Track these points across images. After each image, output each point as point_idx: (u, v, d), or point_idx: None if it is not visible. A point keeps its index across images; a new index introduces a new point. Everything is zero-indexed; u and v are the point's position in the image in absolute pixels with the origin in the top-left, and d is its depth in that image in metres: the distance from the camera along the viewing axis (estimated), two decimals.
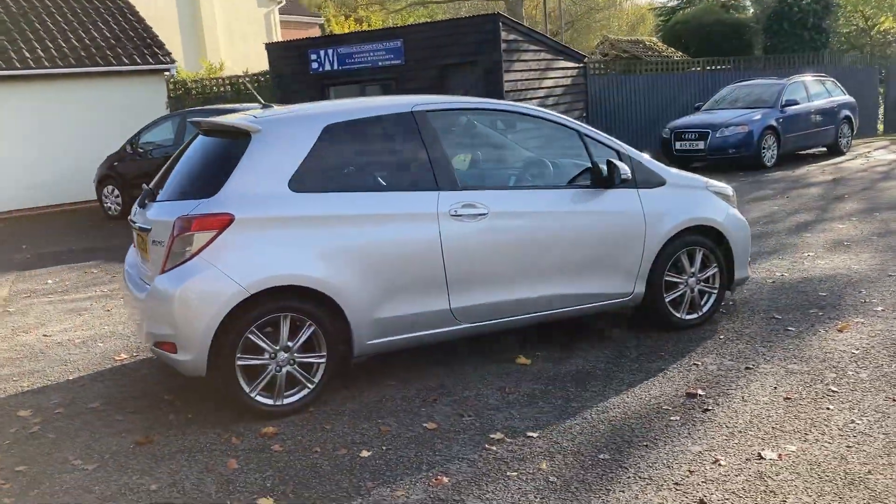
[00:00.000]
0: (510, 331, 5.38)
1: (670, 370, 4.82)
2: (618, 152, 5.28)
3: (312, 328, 4.42)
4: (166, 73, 16.82)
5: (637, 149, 5.49)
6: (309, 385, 4.49)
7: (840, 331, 5.31)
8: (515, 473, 3.65)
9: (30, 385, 5.30)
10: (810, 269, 6.99)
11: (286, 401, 4.44)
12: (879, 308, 5.74)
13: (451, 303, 4.75)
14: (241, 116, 4.80)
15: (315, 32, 31.26)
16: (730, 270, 5.66)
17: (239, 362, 4.30)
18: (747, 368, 4.77)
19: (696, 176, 5.81)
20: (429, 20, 27.93)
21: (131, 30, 17.28)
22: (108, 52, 16.38)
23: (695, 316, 5.55)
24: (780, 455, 3.65)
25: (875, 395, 4.26)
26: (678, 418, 4.13)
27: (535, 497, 3.43)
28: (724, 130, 14.54)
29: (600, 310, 5.35)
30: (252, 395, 4.36)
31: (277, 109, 4.95)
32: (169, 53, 17.02)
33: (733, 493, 3.36)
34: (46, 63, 15.53)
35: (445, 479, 3.62)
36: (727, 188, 5.83)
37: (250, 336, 4.29)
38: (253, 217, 4.32)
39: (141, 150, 13.61)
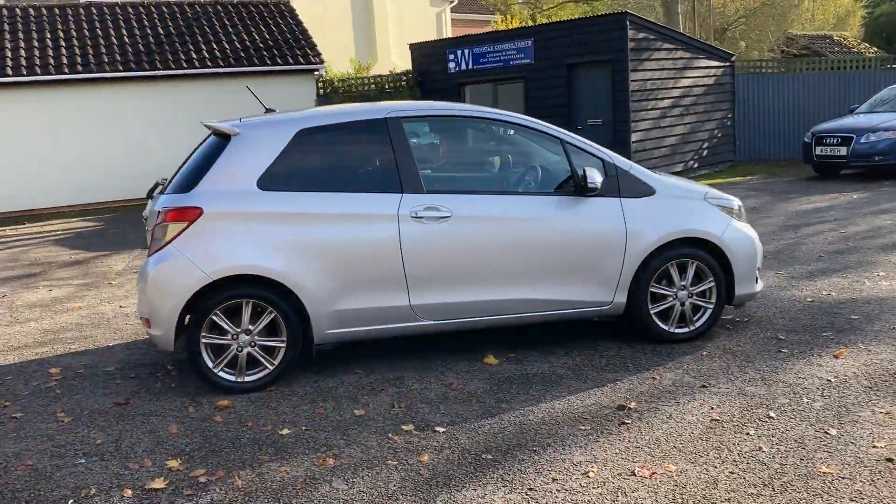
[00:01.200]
0: (488, 331, 5.53)
1: (623, 381, 4.76)
2: (602, 161, 5.26)
3: (273, 315, 4.84)
4: (316, 73, 18.00)
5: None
6: (269, 366, 4.91)
7: (836, 356, 4.97)
8: (395, 463, 3.85)
9: (76, 347, 6.15)
10: (865, 291, 6.47)
11: (247, 378, 4.89)
12: None
13: (410, 299, 4.98)
14: (229, 120, 5.29)
15: (487, 31, 31.84)
16: (730, 285, 5.43)
17: (203, 340, 4.80)
18: (703, 387, 4.62)
19: (695, 186, 5.62)
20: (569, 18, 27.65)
21: (288, 32, 18.66)
22: (265, 53, 17.81)
23: (686, 330, 5.40)
24: (652, 474, 3.59)
25: (809, 426, 4.01)
26: (588, 428, 4.12)
27: (396, 486, 3.62)
28: (869, 136, 13.38)
29: (576, 317, 5.35)
30: (216, 370, 4.84)
31: (268, 115, 5.40)
32: (319, 54, 18.18)
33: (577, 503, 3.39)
34: (209, 63, 17.17)
35: (331, 462, 3.90)
36: (732, 200, 5.57)
37: (214, 318, 4.78)
38: (220, 211, 4.80)
39: None
